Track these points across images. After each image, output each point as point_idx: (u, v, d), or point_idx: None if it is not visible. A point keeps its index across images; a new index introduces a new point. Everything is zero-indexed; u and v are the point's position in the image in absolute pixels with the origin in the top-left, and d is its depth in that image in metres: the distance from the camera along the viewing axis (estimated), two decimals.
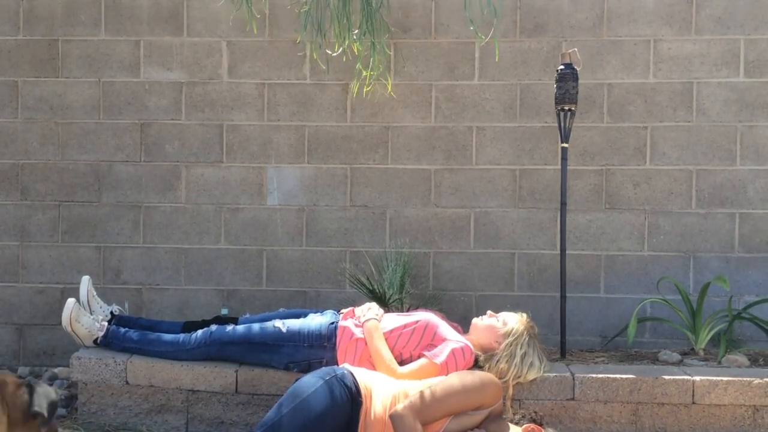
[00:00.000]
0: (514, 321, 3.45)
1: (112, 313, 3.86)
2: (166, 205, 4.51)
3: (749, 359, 3.81)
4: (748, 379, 3.42)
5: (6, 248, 4.53)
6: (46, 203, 4.53)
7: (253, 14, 3.83)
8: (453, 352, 3.31)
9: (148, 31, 4.50)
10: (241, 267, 4.48)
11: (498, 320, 3.48)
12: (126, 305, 4.38)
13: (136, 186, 4.51)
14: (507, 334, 3.41)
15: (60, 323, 3.69)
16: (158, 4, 4.50)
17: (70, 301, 3.67)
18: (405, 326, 3.44)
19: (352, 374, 3.03)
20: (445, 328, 3.46)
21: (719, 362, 3.73)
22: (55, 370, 4.22)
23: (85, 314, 3.69)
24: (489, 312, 3.57)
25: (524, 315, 3.50)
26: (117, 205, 4.52)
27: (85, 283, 3.81)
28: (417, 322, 3.44)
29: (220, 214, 4.50)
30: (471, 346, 3.39)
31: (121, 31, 4.51)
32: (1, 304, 4.52)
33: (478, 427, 3.05)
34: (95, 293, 3.87)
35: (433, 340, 3.38)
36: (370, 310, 3.54)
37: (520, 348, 3.37)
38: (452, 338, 3.39)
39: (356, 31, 3.74)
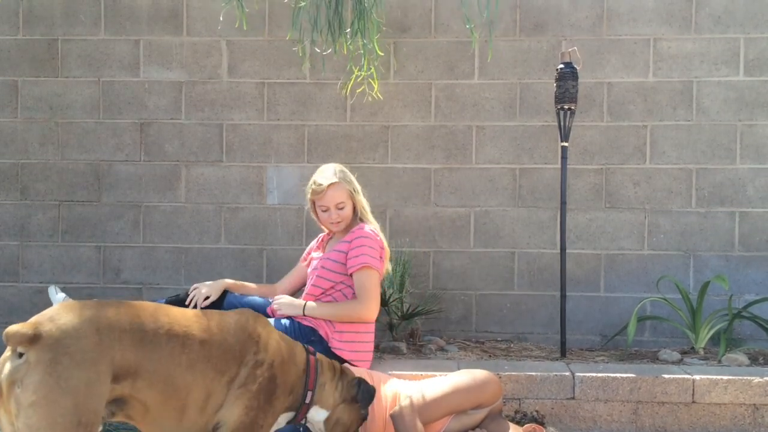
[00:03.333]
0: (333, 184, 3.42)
1: None
2: (166, 205, 4.51)
3: (749, 358, 3.81)
4: (748, 377, 3.42)
5: (6, 248, 4.53)
6: (46, 203, 4.53)
7: (244, 11, 3.82)
8: (361, 246, 3.34)
9: (147, 31, 4.50)
10: (241, 266, 4.48)
11: (342, 210, 3.43)
12: None
13: (136, 185, 4.51)
14: (354, 198, 3.45)
15: None
16: (158, 4, 4.50)
17: (61, 296, 3.49)
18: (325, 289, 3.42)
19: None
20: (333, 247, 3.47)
21: (719, 361, 3.74)
22: None
23: None
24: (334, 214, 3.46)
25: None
26: (117, 204, 4.52)
27: (52, 293, 3.53)
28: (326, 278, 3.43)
29: (220, 214, 4.50)
30: (365, 233, 3.41)
31: (120, 31, 4.51)
32: (1, 304, 4.52)
33: (478, 426, 3.06)
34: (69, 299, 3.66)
35: (347, 259, 3.38)
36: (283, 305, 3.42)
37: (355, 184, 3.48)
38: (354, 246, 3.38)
39: (348, 31, 3.73)
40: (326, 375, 2.70)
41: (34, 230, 4.53)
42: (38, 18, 4.53)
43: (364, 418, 2.82)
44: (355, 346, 3.35)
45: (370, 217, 3.54)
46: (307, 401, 2.63)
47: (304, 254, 3.73)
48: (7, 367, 2.07)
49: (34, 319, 2.13)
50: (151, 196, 4.52)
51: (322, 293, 3.40)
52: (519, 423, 3.29)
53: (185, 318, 2.35)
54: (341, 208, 3.43)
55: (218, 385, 2.35)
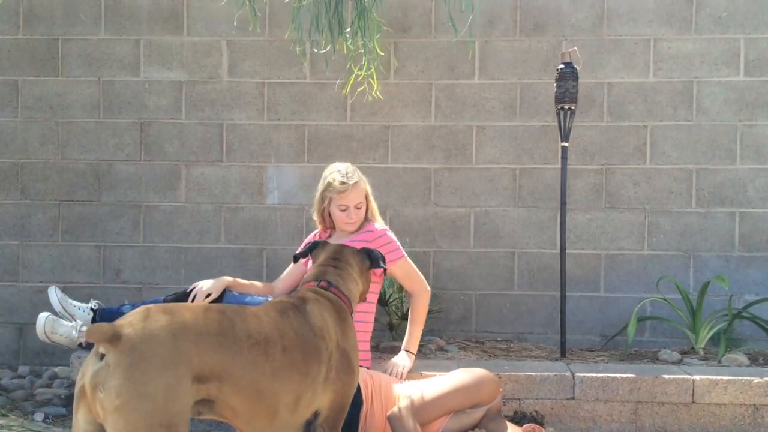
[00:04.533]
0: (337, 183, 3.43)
1: (92, 309, 3.67)
2: (166, 205, 4.52)
3: (749, 358, 3.81)
4: (748, 378, 3.42)
5: (6, 247, 4.53)
6: (46, 202, 4.53)
7: (256, 13, 3.83)
8: (389, 242, 3.45)
9: (147, 31, 4.50)
10: (241, 266, 4.48)
11: (356, 212, 3.45)
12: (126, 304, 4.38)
13: (136, 185, 4.51)
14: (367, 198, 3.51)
15: None
16: (158, 4, 4.50)
17: (41, 316, 3.43)
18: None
19: None
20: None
21: (719, 361, 3.74)
22: (56, 370, 4.22)
23: (62, 324, 3.46)
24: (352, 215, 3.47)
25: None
26: (117, 204, 4.52)
27: (52, 294, 3.55)
28: None
29: (220, 214, 4.50)
30: (377, 230, 3.47)
31: (121, 31, 4.51)
32: (1, 304, 4.52)
33: (477, 425, 3.06)
34: (68, 298, 3.60)
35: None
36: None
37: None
38: (372, 237, 3.44)
39: (348, 30, 3.72)
40: (350, 288, 2.84)
41: (34, 230, 4.53)
42: (38, 18, 4.53)
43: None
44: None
45: (378, 217, 3.59)
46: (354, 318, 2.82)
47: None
48: (90, 369, 2.11)
49: (117, 321, 2.18)
50: (151, 196, 4.52)
51: None
52: (519, 423, 3.29)
53: (261, 322, 2.39)
54: (359, 208, 3.45)
55: (304, 386, 2.42)
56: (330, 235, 3.60)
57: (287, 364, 2.36)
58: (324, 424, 2.53)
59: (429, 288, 3.56)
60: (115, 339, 2.07)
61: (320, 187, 3.50)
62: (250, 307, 2.47)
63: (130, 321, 2.14)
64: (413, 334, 3.50)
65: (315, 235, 3.67)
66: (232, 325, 2.29)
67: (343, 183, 3.40)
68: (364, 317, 3.43)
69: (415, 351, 3.48)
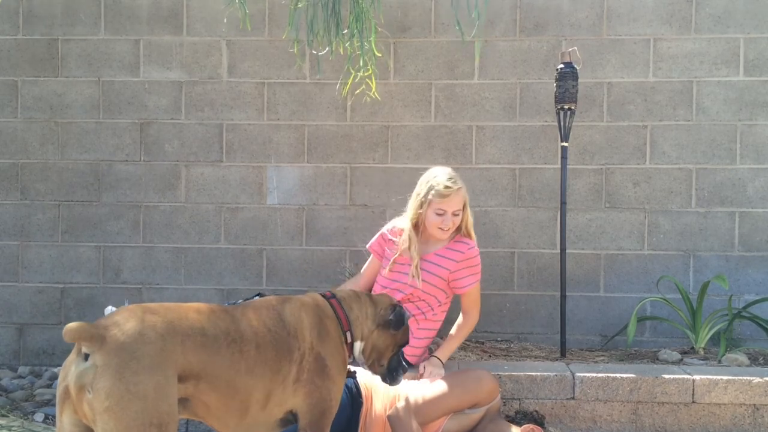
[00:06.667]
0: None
1: None
2: (165, 205, 4.51)
3: (749, 358, 3.81)
4: (748, 378, 3.42)
5: (6, 248, 4.53)
6: (45, 203, 4.53)
7: (246, 11, 3.82)
8: (475, 265, 3.52)
9: (147, 31, 4.50)
10: (240, 266, 4.48)
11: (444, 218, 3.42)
12: (126, 304, 4.37)
13: (135, 185, 4.51)
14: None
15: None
16: (158, 4, 4.50)
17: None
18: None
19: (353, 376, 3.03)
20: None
21: (719, 361, 3.74)
22: (55, 370, 4.22)
23: None
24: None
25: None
26: (117, 204, 4.52)
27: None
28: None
29: (220, 214, 4.50)
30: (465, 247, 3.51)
31: (120, 31, 4.51)
32: (1, 304, 4.52)
33: (476, 425, 3.06)
34: None
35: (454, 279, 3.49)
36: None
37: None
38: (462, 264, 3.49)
39: (345, 31, 3.72)
40: (354, 308, 2.74)
41: (34, 230, 4.53)
42: (38, 18, 4.53)
43: (402, 343, 2.82)
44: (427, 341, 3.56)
45: (472, 231, 3.55)
46: (349, 341, 2.70)
47: (375, 244, 3.68)
48: (74, 370, 2.09)
49: (98, 322, 2.16)
50: (151, 196, 4.52)
51: (414, 298, 3.49)
52: (519, 423, 3.29)
53: (235, 320, 2.41)
54: (456, 215, 3.42)
55: (276, 383, 2.43)
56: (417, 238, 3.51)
57: (260, 362, 2.38)
58: (308, 427, 2.53)
59: (478, 316, 3.59)
60: (96, 339, 2.05)
61: (421, 190, 3.45)
62: (227, 306, 2.49)
63: (117, 321, 2.14)
64: (450, 346, 3.51)
65: (391, 232, 3.60)
66: (212, 324, 2.31)
67: (447, 187, 3.36)
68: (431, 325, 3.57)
69: (445, 360, 3.44)
